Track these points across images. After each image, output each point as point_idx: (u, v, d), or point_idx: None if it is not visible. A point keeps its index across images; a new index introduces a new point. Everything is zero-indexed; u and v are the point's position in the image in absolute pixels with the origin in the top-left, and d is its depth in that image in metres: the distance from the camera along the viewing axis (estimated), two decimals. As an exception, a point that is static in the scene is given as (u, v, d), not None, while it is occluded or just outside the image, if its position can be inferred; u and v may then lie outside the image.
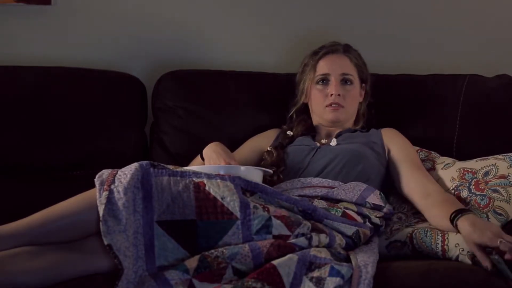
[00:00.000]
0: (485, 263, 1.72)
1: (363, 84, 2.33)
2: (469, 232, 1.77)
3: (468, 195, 2.00)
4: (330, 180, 2.07)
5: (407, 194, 2.09)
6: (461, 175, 2.07)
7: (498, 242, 1.69)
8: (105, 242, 1.62)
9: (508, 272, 1.66)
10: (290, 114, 2.36)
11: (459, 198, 2.01)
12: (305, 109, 2.35)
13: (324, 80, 2.27)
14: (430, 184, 2.05)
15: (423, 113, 2.42)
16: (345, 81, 2.27)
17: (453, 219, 1.83)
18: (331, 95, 2.23)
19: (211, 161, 2.09)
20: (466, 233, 1.78)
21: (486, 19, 2.69)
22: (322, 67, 2.28)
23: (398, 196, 2.15)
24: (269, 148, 2.26)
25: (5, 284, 1.60)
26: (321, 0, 2.65)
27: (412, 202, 2.07)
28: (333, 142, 2.22)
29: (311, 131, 2.33)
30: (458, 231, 1.82)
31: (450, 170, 2.12)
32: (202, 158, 2.15)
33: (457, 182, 2.06)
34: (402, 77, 2.51)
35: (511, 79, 2.44)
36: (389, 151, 2.20)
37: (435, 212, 1.96)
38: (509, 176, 2.00)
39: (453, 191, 2.05)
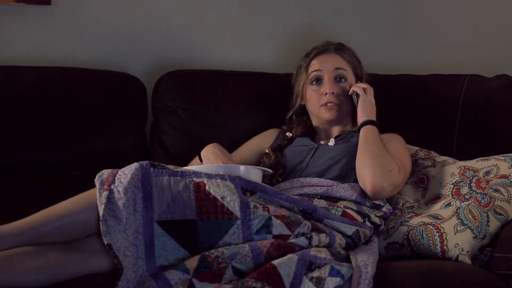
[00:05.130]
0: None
1: (359, 82, 2.32)
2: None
3: (468, 191, 2.00)
4: (329, 180, 2.07)
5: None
6: (462, 172, 2.07)
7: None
8: (105, 242, 1.62)
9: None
10: (289, 116, 2.36)
11: (458, 193, 2.02)
12: (304, 111, 2.35)
13: (318, 79, 2.27)
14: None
15: (423, 113, 2.42)
16: (338, 78, 2.26)
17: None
18: (326, 94, 2.23)
19: (209, 162, 2.09)
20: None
21: (486, 19, 2.68)
22: (314, 67, 2.28)
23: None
24: (267, 151, 2.25)
25: (5, 284, 1.60)
26: (322, 0, 2.65)
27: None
28: (331, 142, 2.22)
29: (311, 132, 2.33)
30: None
31: (450, 167, 2.12)
32: (200, 160, 2.15)
33: (457, 178, 2.06)
34: (402, 77, 2.51)
35: (511, 79, 2.44)
36: None
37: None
38: (510, 176, 2.00)
39: (452, 185, 2.05)
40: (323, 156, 2.16)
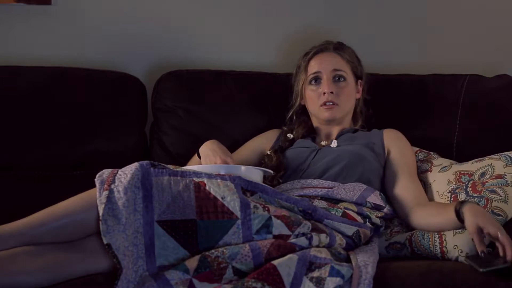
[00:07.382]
0: (481, 247, 1.75)
1: (359, 81, 2.32)
2: (475, 214, 1.78)
3: (466, 197, 2.00)
4: (330, 182, 2.07)
5: (395, 197, 2.09)
6: (457, 178, 2.07)
7: (498, 234, 1.73)
8: (104, 241, 1.62)
9: (496, 266, 1.71)
10: (289, 116, 2.36)
11: (456, 201, 2.01)
12: (304, 111, 2.35)
13: (316, 79, 2.26)
14: (422, 195, 2.06)
15: (423, 113, 2.42)
16: (337, 77, 2.25)
17: (459, 208, 1.82)
18: (324, 93, 2.23)
19: (207, 159, 2.08)
20: (472, 215, 1.78)
21: (486, 19, 2.69)
22: (313, 66, 2.27)
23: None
24: (268, 152, 2.25)
25: (5, 284, 1.60)
26: (322, 0, 2.66)
27: (399, 204, 2.07)
28: (334, 144, 2.22)
29: (312, 132, 2.33)
30: (459, 220, 1.83)
31: (446, 173, 2.11)
32: (199, 156, 2.15)
33: (454, 185, 2.06)
34: (402, 77, 2.51)
35: (511, 79, 2.44)
36: (388, 153, 2.19)
37: (428, 210, 1.98)
38: (506, 175, 2.00)
39: (449, 193, 2.05)
40: (324, 157, 2.15)
